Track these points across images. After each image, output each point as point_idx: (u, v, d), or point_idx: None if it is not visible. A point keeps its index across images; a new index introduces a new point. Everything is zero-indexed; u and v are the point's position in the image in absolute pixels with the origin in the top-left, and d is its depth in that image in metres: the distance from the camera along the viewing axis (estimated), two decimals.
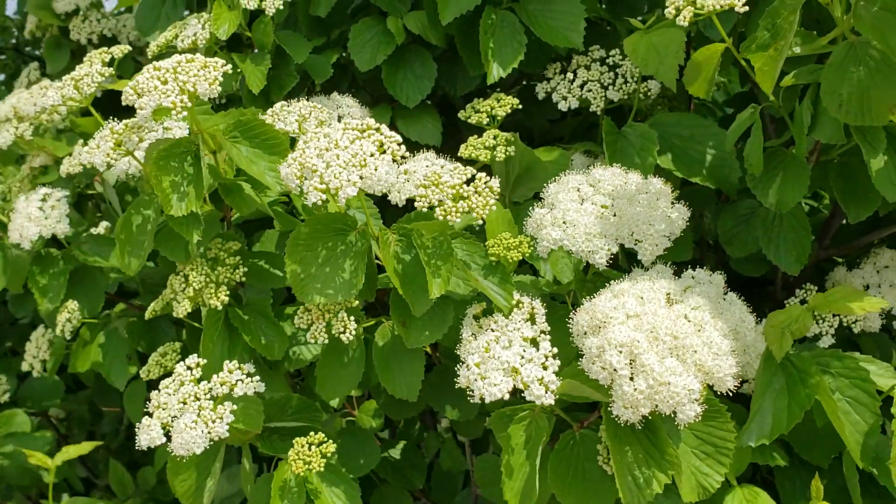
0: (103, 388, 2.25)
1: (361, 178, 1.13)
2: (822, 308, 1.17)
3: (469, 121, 1.60)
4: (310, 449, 1.26)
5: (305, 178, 1.14)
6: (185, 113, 1.26)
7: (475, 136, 1.50)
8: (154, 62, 1.29)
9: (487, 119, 1.58)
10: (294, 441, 1.27)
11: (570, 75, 1.64)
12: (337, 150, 1.15)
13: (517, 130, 1.51)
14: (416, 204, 1.18)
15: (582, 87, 1.62)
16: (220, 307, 1.38)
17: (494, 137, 1.47)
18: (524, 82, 1.91)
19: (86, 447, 1.66)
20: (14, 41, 3.07)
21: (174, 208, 1.28)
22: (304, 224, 1.22)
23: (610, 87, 1.60)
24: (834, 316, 1.44)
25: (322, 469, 1.25)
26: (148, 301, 1.79)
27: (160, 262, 1.72)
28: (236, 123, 1.32)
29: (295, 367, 1.46)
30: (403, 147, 1.17)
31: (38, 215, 1.69)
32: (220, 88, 1.28)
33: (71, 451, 1.66)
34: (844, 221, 1.65)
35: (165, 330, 1.79)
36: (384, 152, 1.16)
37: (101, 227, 1.85)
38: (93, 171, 1.85)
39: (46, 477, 1.81)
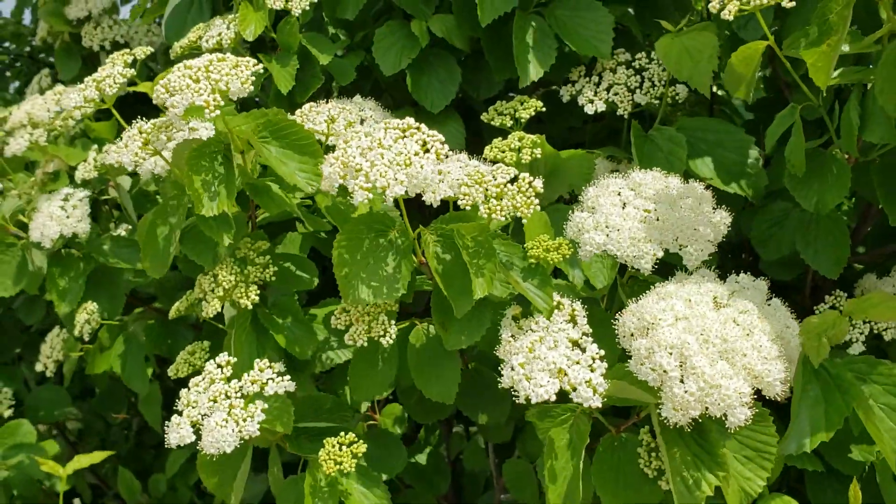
0: (112, 394, 2.25)
1: (408, 176, 1.11)
2: (857, 314, 1.17)
3: (492, 123, 1.59)
4: (341, 449, 1.25)
5: (349, 178, 1.13)
6: (216, 112, 1.24)
7: (500, 139, 1.49)
8: (185, 61, 1.28)
9: (511, 122, 1.57)
10: (325, 441, 1.26)
11: (595, 78, 1.64)
12: (381, 149, 1.14)
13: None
14: (459, 202, 1.17)
15: (608, 90, 1.61)
16: (250, 306, 1.37)
17: (520, 139, 1.46)
18: (541, 89, 1.91)
19: (97, 456, 1.63)
20: (28, 49, 3.07)
21: (206, 208, 1.26)
22: (348, 224, 1.21)
23: (637, 91, 1.59)
24: (865, 323, 1.44)
25: (353, 470, 1.24)
26: (166, 304, 1.78)
27: (180, 266, 1.70)
28: (266, 123, 1.31)
29: (322, 370, 1.44)
30: (447, 146, 1.16)
31: (60, 214, 1.69)
32: (252, 88, 1.27)
33: (82, 461, 1.63)
34: (869, 228, 1.66)
35: (184, 333, 1.78)
36: (427, 151, 1.15)
37: (122, 230, 1.84)
38: (107, 177, 1.84)
39: (54, 486, 1.78)
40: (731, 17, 1.27)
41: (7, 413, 2.00)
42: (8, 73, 3.11)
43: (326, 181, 1.17)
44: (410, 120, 1.20)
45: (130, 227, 1.83)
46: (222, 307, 1.38)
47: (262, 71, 1.65)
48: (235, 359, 1.31)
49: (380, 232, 1.22)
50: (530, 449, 1.54)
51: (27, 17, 3.05)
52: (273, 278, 1.41)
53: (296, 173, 1.28)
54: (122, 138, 1.38)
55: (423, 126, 1.19)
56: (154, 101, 1.28)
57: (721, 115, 2.03)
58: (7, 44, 3.07)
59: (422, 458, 1.74)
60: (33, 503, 1.98)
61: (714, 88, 1.95)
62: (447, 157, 1.17)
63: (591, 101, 1.62)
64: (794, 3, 1.24)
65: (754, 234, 1.56)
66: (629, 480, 1.16)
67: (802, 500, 1.40)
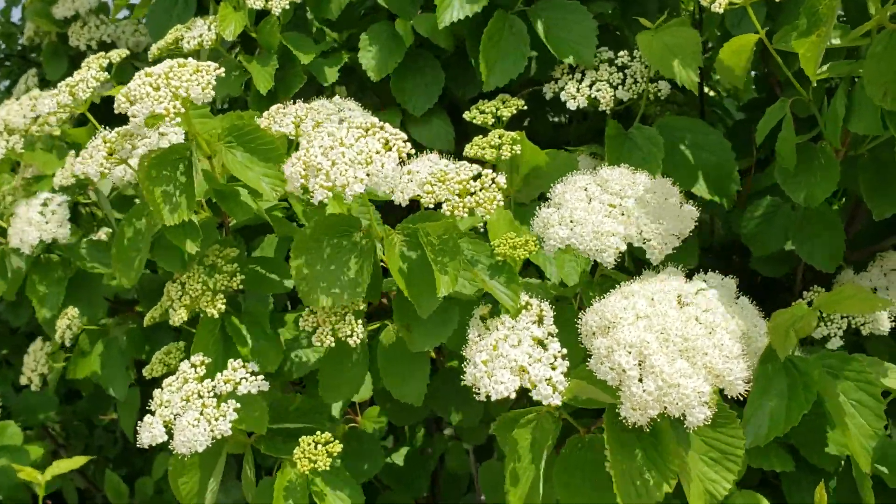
0: (99, 398, 2.25)
1: (368, 174, 1.11)
2: (828, 307, 1.16)
3: (474, 121, 1.59)
4: (316, 448, 1.25)
5: (310, 177, 1.13)
6: (177, 120, 1.24)
7: (480, 136, 1.49)
8: (146, 69, 1.27)
9: (493, 120, 1.57)
10: (300, 440, 1.26)
11: (577, 75, 1.63)
12: (342, 147, 1.14)
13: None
14: (422, 201, 1.17)
15: (591, 86, 1.61)
16: (216, 315, 1.37)
17: (500, 136, 1.46)
18: (531, 88, 1.91)
19: (77, 461, 1.64)
20: (20, 48, 3.08)
21: (166, 217, 1.26)
22: (308, 225, 1.21)
23: (619, 87, 1.59)
24: (842, 318, 1.44)
25: (328, 468, 1.24)
26: (147, 308, 1.78)
27: (159, 269, 1.71)
28: (231, 128, 1.31)
29: (298, 374, 1.43)
30: (409, 144, 1.16)
31: (39, 220, 1.69)
32: (213, 93, 1.26)
33: (62, 466, 1.63)
34: (860, 226, 1.65)
35: (164, 338, 1.77)
36: (390, 150, 1.15)
37: (102, 234, 1.84)
38: (87, 181, 1.84)
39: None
40: (721, 10, 1.28)
41: None
42: None
43: (289, 181, 1.17)
44: (374, 119, 1.20)
45: (110, 231, 1.83)
46: (188, 315, 1.38)
47: (238, 73, 1.64)
48: (210, 358, 1.31)
49: (343, 233, 1.22)
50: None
51: (16, 15, 3.08)
52: (240, 286, 1.40)
53: (260, 178, 1.28)
54: (86, 148, 1.37)
55: (386, 125, 1.19)
56: (115, 111, 1.28)
57: (712, 116, 2.03)
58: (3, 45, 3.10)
59: (399, 459, 1.74)
60: None
61: (705, 89, 1.94)
62: (410, 156, 1.16)
63: (574, 98, 1.61)
64: None
65: (743, 230, 1.55)
66: (594, 482, 1.15)
67: (779, 496, 1.40)
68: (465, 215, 1.15)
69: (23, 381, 1.89)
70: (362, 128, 1.17)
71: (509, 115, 1.57)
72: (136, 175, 1.37)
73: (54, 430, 2.38)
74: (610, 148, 1.48)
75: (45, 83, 2.32)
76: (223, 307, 1.36)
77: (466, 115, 1.61)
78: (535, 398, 1.07)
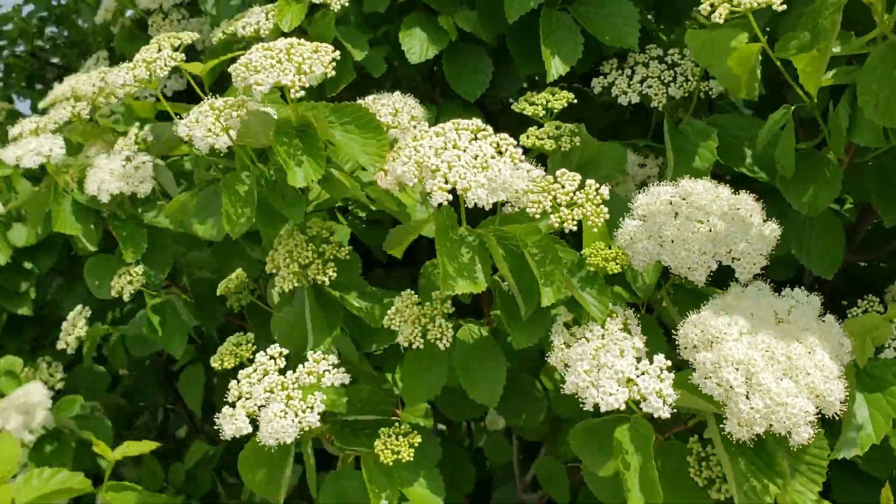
0: (141, 382, 2.25)
1: (488, 180, 1.12)
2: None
3: (524, 112, 1.60)
4: (397, 439, 1.26)
5: (426, 178, 1.14)
6: (301, 93, 1.27)
7: (535, 127, 1.51)
8: (262, 44, 1.29)
9: (543, 112, 1.58)
10: (380, 432, 1.28)
11: (627, 71, 1.66)
12: (456, 150, 1.15)
13: None
14: (528, 210, 1.18)
15: (641, 83, 1.63)
16: (328, 282, 1.40)
17: (558, 128, 1.47)
18: (565, 84, 1.92)
19: (146, 445, 1.65)
20: (32, 48, 3.09)
21: (294, 177, 1.28)
22: (436, 218, 1.21)
23: (671, 85, 1.61)
24: None
25: (411, 459, 1.26)
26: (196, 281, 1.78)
27: (211, 249, 1.71)
28: (333, 108, 1.33)
29: (384, 344, 1.48)
30: (521, 150, 1.17)
31: (122, 171, 1.69)
32: (334, 72, 1.30)
33: (131, 448, 1.65)
34: (870, 227, 1.69)
35: (217, 313, 1.81)
36: (503, 154, 1.16)
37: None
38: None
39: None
40: (722, 21, 1.28)
41: (59, 385, 1.98)
42: (13, 74, 3.13)
43: (398, 179, 1.17)
44: (478, 121, 1.21)
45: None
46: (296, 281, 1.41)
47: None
48: (287, 350, 1.33)
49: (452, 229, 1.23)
50: (561, 450, 1.56)
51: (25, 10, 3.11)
52: (347, 257, 1.44)
53: (360, 155, 1.29)
54: (190, 114, 1.39)
55: (489, 127, 1.20)
56: (234, 81, 1.31)
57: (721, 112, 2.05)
58: (21, 47, 3.08)
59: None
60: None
61: None
62: (522, 160, 1.18)
63: (625, 93, 1.64)
64: (785, 7, 1.25)
65: None
66: (676, 487, 1.18)
67: None
68: (574, 228, 1.16)
69: (59, 345, 1.88)
70: (471, 129, 1.18)
71: (560, 107, 1.59)
72: (232, 143, 1.38)
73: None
74: (672, 142, 1.50)
75: (116, 64, 2.31)
76: (335, 274, 1.40)
77: (515, 107, 1.62)
78: (645, 410, 1.09)
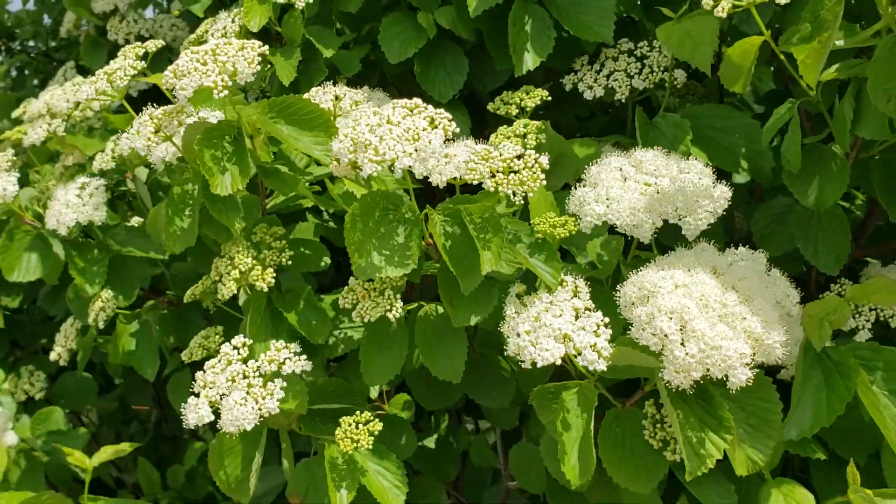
0: (134, 385, 2.27)
1: (416, 150, 1.15)
2: (859, 299, 1.19)
3: (498, 112, 1.62)
4: (357, 427, 1.27)
5: (359, 152, 1.17)
6: (225, 92, 1.27)
7: (505, 126, 1.52)
8: (192, 47, 1.32)
9: (517, 111, 1.60)
10: (341, 420, 1.28)
11: (597, 66, 1.67)
12: (389, 125, 1.18)
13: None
14: (466, 177, 1.20)
15: (608, 77, 1.64)
16: (266, 289, 1.40)
17: (524, 126, 1.49)
18: (549, 80, 1.94)
19: (123, 448, 1.65)
20: (45, 47, 3.13)
21: (219, 186, 1.29)
22: (357, 201, 1.24)
23: (636, 77, 1.62)
24: (871, 310, 1.44)
25: (370, 447, 1.26)
26: (179, 293, 1.81)
27: (190, 258, 1.74)
28: (272, 104, 1.34)
29: (345, 350, 1.47)
30: (454, 123, 1.20)
31: (77, 202, 1.71)
32: (259, 68, 1.30)
33: (108, 452, 1.65)
34: (880, 222, 1.67)
35: (196, 322, 1.81)
36: (436, 127, 1.19)
37: (134, 221, 1.87)
38: (124, 168, 1.88)
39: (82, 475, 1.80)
40: (724, 14, 1.29)
41: (39, 395, 2.01)
42: (27, 72, 3.19)
43: (337, 156, 1.20)
44: (418, 100, 1.23)
45: (143, 220, 1.86)
46: (238, 291, 1.41)
47: (267, 55, 1.70)
48: (251, 340, 1.34)
49: (389, 209, 1.25)
50: (535, 434, 1.55)
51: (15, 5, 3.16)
52: (289, 262, 1.44)
53: (311, 147, 1.31)
54: (133, 126, 1.42)
55: (429, 106, 1.22)
56: (163, 87, 1.32)
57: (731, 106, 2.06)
58: (32, 42, 3.15)
59: (430, 443, 1.76)
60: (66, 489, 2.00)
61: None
62: (455, 134, 1.20)
63: (591, 88, 1.65)
64: (787, 0, 1.26)
65: (755, 229, 1.56)
66: (635, 453, 1.18)
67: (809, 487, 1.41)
68: (510, 192, 1.18)
69: (52, 357, 1.91)
70: (407, 107, 1.21)
71: (533, 105, 1.60)
72: (180, 152, 1.40)
73: (87, 419, 2.40)
74: (642, 133, 1.51)
75: (84, 74, 2.35)
76: (272, 281, 1.39)
77: (490, 107, 1.64)
78: (580, 364, 1.10)
